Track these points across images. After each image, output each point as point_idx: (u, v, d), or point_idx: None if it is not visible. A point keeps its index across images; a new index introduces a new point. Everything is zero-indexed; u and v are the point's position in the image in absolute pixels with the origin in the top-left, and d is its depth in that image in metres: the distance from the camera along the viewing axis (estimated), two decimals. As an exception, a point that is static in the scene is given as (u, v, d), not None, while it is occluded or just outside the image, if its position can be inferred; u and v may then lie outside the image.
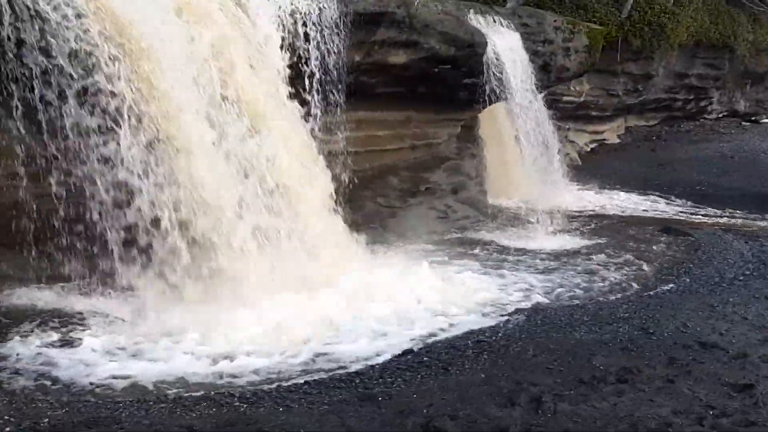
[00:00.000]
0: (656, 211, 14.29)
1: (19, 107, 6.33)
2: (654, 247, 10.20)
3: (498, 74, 10.57)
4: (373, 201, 10.74)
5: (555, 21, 11.86)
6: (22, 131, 6.49)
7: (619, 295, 7.37)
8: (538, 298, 7.33)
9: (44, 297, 6.49)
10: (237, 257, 6.47)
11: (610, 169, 18.47)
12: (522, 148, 11.72)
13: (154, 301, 6.47)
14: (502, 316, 6.58)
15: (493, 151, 14.79)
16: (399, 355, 5.57)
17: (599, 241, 10.78)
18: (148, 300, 6.44)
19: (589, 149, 20.31)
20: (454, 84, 11.11)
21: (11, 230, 6.49)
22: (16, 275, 6.64)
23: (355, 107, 10.72)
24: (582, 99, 18.99)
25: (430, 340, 5.95)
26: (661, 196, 15.88)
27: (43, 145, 6.55)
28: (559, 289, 7.70)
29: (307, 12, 8.13)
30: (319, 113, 8.60)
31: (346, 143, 10.85)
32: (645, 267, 8.80)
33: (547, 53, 11.76)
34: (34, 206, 6.48)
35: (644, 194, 16.06)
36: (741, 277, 7.97)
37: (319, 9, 8.28)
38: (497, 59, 10.53)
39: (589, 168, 18.43)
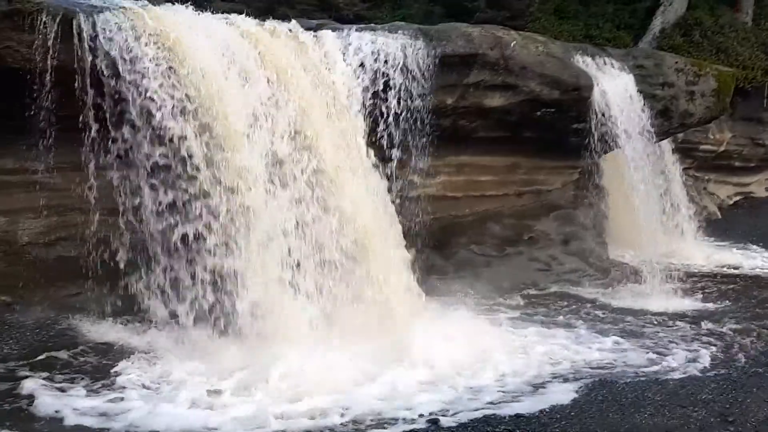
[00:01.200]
0: (802, 273, 12.69)
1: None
2: (786, 316, 8.96)
3: (605, 119, 9.84)
4: (467, 248, 10.25)
5: (677, 63, 10.95)
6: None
7: (717, 371, 6.38)
8: (615, 367, 6.50)
9: (111, 332, 6.57)
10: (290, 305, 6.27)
11: (754, 225, 16.80)
12: (634, 199, 10.77)
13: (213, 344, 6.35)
14: (562, 387, 5.85)
15: (618, 201, 13.91)
16: (423, 426, 4.99)
17: (721, 304, 9.65)
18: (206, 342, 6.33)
19: (731, 202, 18.67)
20: (561, 129, 10.50)
21: (81, 264, 6.67)
22: (82, 307, 6.80)
23: (456, 151, 10.38)
24: (723, 148, 17.54)
25: (464, 412, 5.30)
26: (811, 258, 14.14)
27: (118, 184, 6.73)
28: (646, 358, 6.82)
29: (391, 55, 7.92)
30: (398, 157, 8.26)
31: (444, 188, 10.53)
32: (765, 338, 7.69)
33: (667, 97, 10.85)
34: (104, 242, 6.63)
35: (792, 254, 14.37)
36: None
37: (404, 52, 8.04)
38: (605, 103, 9.82)
39: (730, 223, 16.88)
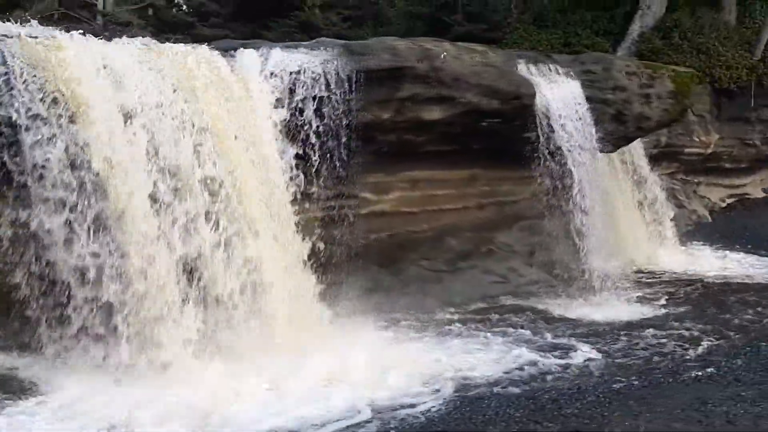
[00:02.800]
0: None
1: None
2: (738, 321, 8.72)
3: (549, 126, 9.71)
4: (417, 264, 10.10)
5: (628, 66, 10.75)
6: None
7: (608, 385, 6.10)
8: (498, 382, 6.27)
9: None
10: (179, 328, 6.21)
11: (744, 227, 16.39)
12: (577, 206, 10.53)
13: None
14: (424, 407, 5.63)
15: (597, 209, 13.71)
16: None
17: (676, 310, 9.44)
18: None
19: (725, 205, 18.21)
20: (510, 138, 10.36)
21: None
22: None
23: (409, 167, 10.29)
24: (711, 150, 17.16)
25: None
26: (800, 260, 13.75)
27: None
28: (540, 371, 6.63)
29: (311, 71, 7.88)
30: (323, 175, 8.18)
31: (399, 204, 10.43)
32: (701, 345, 7.45)
33: (620, 101, 10.65)
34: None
35: (779, 257, 14.00)
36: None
37: (325, 69, 8.00)
38: (548, 110, 9.68)
39: (720, 226, 16.49)
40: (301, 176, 7.86)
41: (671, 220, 14.50)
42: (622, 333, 8.04)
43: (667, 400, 5.53)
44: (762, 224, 16.62)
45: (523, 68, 9.98)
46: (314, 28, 17.45)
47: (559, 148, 9.83)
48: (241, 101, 7.27)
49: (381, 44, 8.61)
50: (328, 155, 8.14)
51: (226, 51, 7.90)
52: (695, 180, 17.61)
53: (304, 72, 7.88)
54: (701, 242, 15.32)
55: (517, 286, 10.49)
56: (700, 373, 6.31)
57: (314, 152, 7.96)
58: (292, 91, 7.85)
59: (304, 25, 18.16)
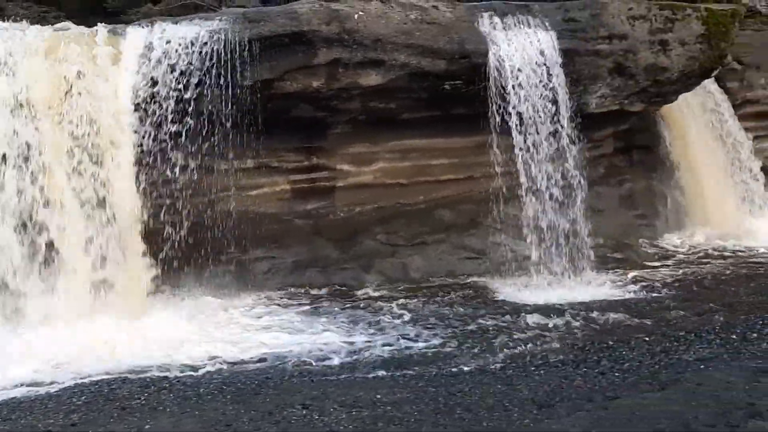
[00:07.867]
0: None
1: None
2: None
3: (502, 88, 8.60)
4: (373, 239, 9.59)
5: (630, 9, 9.02)
6: None
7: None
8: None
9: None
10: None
11: None
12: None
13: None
14: None
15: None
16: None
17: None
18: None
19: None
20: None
21: None
22: None
23: (398, 135, 9.80)
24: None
25: None
26: None
27: None
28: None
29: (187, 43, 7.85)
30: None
31: (382, 176, 9.98)
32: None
33: (618, 52, 9.02)
34: None
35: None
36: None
37: (209, 37, 7.89)
38: (501, 69, 8.57)
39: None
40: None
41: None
42: (505, 319, 7.10)
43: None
44: None
45: (485, 22, 8.94)
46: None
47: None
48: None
49: (281, 9, 8.28)
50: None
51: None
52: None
53: (182, 45, 7.86)
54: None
55: (497, 264, 9.51)
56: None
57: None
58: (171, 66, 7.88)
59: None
